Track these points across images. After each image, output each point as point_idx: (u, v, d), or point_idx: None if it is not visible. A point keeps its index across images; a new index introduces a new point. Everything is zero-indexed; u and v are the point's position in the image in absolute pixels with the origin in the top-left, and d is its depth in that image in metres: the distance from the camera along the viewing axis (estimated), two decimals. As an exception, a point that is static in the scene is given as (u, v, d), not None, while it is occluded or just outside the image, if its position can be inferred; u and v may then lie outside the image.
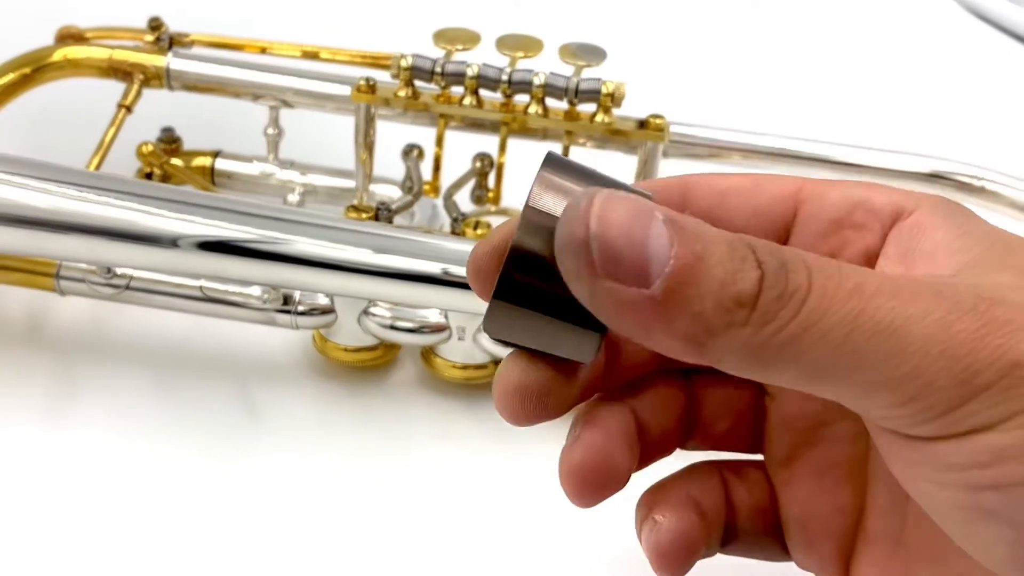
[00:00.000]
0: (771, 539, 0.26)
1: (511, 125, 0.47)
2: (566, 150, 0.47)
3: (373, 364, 0.44)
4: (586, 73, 0.45)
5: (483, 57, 0.46)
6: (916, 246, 0.22)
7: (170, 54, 0.49)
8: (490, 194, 0.50)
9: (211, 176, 0.52)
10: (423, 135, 0.49)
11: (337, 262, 0.39)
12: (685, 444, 0.27)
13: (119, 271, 0.42)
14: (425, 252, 0.39)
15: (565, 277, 0.19)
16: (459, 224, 0.46)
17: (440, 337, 0.42)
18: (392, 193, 0.51)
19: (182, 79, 0.49)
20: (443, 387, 0.44)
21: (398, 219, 0.46)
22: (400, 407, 0.44)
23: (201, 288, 0.42)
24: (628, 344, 0.25)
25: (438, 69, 0.45)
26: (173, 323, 0.45)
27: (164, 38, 0.50)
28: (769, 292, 0.18)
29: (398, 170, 0.50)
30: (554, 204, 0.20)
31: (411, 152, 0.50)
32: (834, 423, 0.25)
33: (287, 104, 0.50)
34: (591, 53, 0.46)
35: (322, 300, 0.43)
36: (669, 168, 0.47)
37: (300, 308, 0.42)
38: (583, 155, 0.44)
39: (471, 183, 0.50)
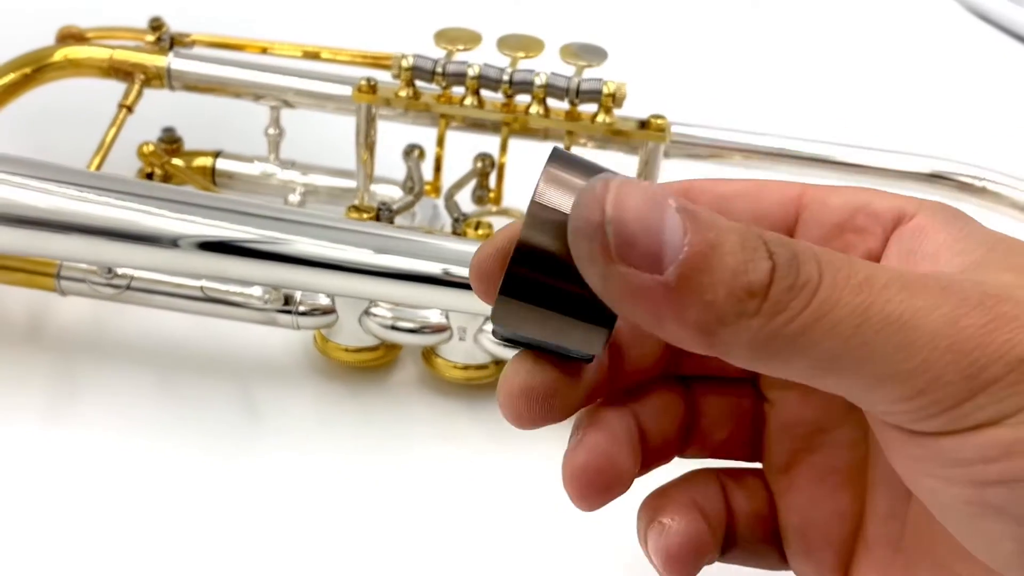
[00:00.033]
0: (770, 547, 0.26)
1: (512, 125, 0.47)
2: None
3: (374, 364, 0.44)
4: (587, 73, 0.45)
5: (484, 57, 0.46)
6: (918, 249, 0.22)
7: (171, 54, 0.49)
8: (491, 194, 0.50)
9: (212, 176, 0.52)
10: (424, 135, 0.49)
11: (338, 262, 0.39)
12: (684, 452, 0.27)
13: (120, 271, 0.42)
14: (426, 252, 0.39)
15: (577, 261, 0.19)
16: (460, 224, 0.46)
17: (441, 337, 0.42)
18: (393, 193, 0.51)
19: (183, 79, 0.49)
20: (444, 387, 0.44)
21: (399, 219, 0.46)
22: (401, 407, 0.44)
23: (202, 288, 0.42)
24: (631, 349, 0.25)
25: (439, 69, 0.45)
26: (174, 323, 0.45)
27: (165, 38, 0.50)
28: (781, 283, 0.18)
29: (399, 170, 0.50)
30: (560, 199, 0.20)
31: (412, 152, 0.50)
32: (833, 429, 0.25)
33: (288, 104, 0.50)
34: (592, 53, 0.46)
35: (323, 300, 0.43)
36: (670, 168, 0.47)
37: (301, 308, 0.42)
38: (584, 155, 0.44)
39: (472, 183, 0.50)
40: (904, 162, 0.47)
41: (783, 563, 0.26)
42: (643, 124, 0.46)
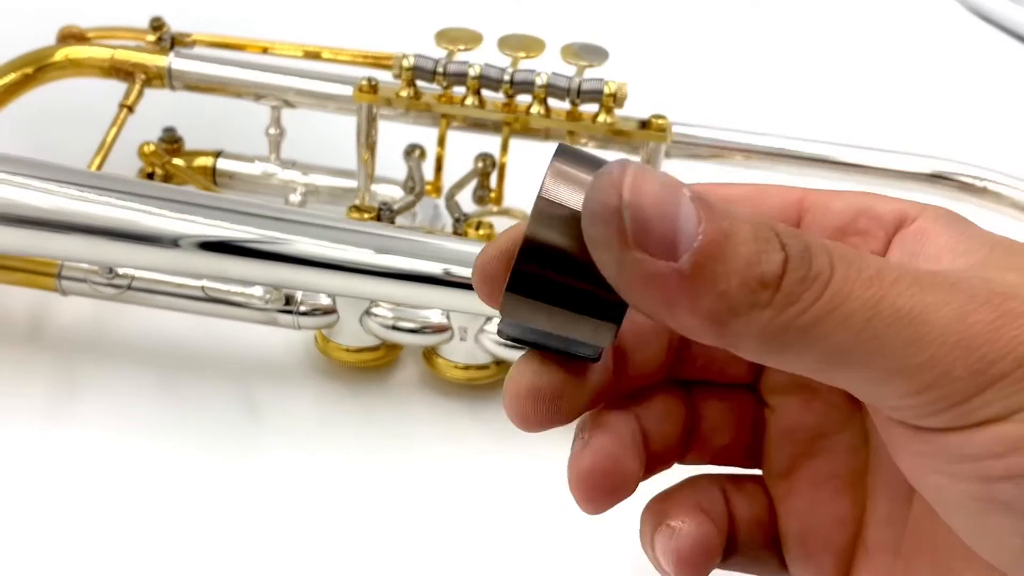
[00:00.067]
0: (770, 553, 0.26)
1: (513, 125, 0.47)
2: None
3: (375, 364, 0.44)
4: (588, 73, 0.45)
5: (485, 57, 0.46)
6: (920, 251, 0.22)
7: (172, 54, 0.49)
8: (492, 194, 0.50)
9: (213, 176, 0.52)
10: (425, 135, 0.49)
11: (339, 262, 0.39)
12: (684, 458, 0.27)
13: (121, 271, 0.42)
14: (427, 252, 0.39)
15: (591, 247, 0.19)
16: (461, 224, 0.46)
17: (442, 337, 0.42)
18: (394, 193, 0.51)
19: (184, 79, 0.49)
20: (445, 387, 0.44)
21: (400, 219, 0.46)
22: (402, 407, 0.44)
23: (203, 288, 0.42)
24: (635, 353, 0.25)
25: (440, 69, 0.45)
26: (175, 323, 0.45)
27: (166, 38, 0.50)
28: (793, 274, 0.18)
29: (400, 170, 0.50)
30: (567, 195, 0.20)
31: (413, 152, 0.50)
32: (834, 434, 0.25)
33: (289, 104, 0.50)
34: (593, 53, 0.46)
35: (324, 300, 0.43)
36: (671, 168, 0.47)
37: (302, 308, 0.42)
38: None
39: (473, 183, 0.50)
40: (905, 162, 0.47)
41: (783, 569, 0.26)
42: (644, 124, 0.46)
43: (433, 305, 0.40)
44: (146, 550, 0.37)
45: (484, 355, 0.43)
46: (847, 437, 0.25)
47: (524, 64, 0.46)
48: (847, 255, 0.19)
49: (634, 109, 0.46)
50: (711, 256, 0.18)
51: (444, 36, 0.47)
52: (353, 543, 0.38)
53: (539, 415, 0.22)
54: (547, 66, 0.46)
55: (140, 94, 0.49)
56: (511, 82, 0.45)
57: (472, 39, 0.47)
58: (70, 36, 0.51)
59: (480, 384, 0.44)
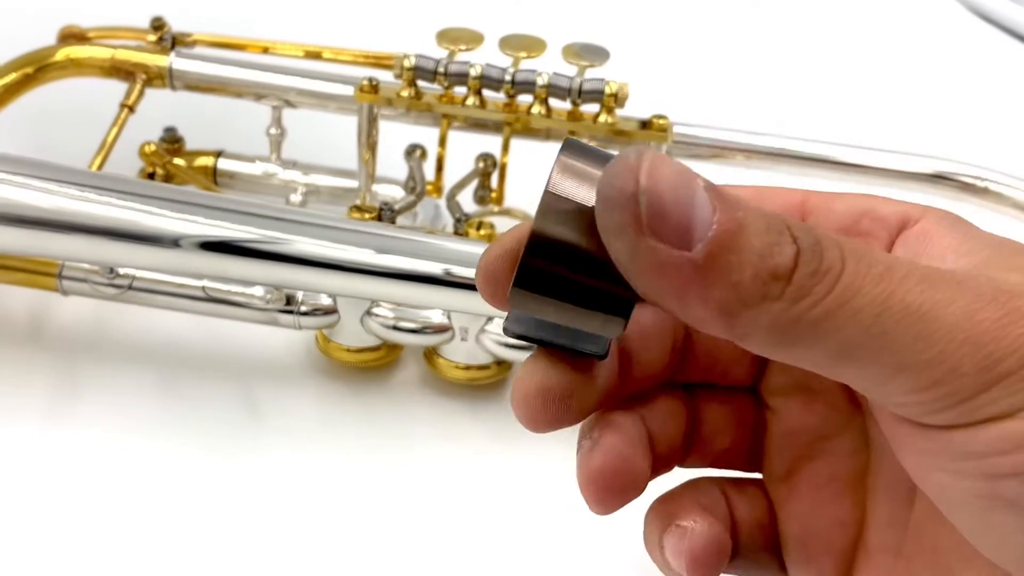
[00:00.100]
0: (770, 557, 0.26)
1: (514, 125, 0.47)
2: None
3: (376, 364, 0.44)
4: (589, 73, 0.45)
5: (486, 57, 0.46)
6: (923, 252, 0.22)
7: (173, 54, 0.49)
8: (493, 194, 0.50)
9: (213, 176, 0.52)
10: (426, 135, 0.49)
11: (340, 262, 0.39)
12: (684, 461, 0.26)
13: (122, 271, 0.42)
14: (428, 253, 0.39)
15: (605, 233, 0.19)
16: (462, 224, 0.46)
17: (443, 338, 0.42)
18: (395, 193, 0.50)
19: (185, 79, 0.49)
20: (445, 387, 0.44)
21: (401, 219, 0.46)
22: (402, 407, 0.44)
23: (204, 288, 0.42)
24: (639, 354, 0.25)
25: (441, 69, 0.45)
26: (175, 323, 0.45)
27: (167, 38, 0.50)
28: (804, 268, 0.18)
29: (401, 170, 0.50)
30: (574, 189, 0.20)
31: (414, 152, 0.50)
32: (834, 436, 0.25)
33: (290, 104, 0.50)
34: (594, 53, 0.46)
35: (325, 300, 0.43)
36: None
37: (303, 308, 0.42)
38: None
39: (474, 183, 0.50)
40: (906, 162, 0.47)
41: (782, 573, 0.26)
42: (645, 124, 0.46)
43: (434, 305, 0.40)
44: (147, 550, 0.37)
45: (485, 355, 0.43)
46: (847, 439, 0.25)
47: (525, 64, 0.46)
48: (858, 250, 0.19)
49: (635, 109, 0.46)
50: (725, 246, 0.18)
51: (445, 36, 0.47)
52: (353, 543, 0.38)
53: (548, 415, 0.22)
54: (548, 66, 0.46)
55: (141, 94, 0.49)
56: (512, 82, 0.45)
57: (473, 39, 0.47)
58: (71, 36, 0.51)
59: (481, 384, 0.44)
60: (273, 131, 0.51)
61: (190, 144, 0.53)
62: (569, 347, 0.22)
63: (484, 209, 0.50)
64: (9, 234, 0.38)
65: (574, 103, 0.46)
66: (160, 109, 0.52)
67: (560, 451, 0.36)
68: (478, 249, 0.39)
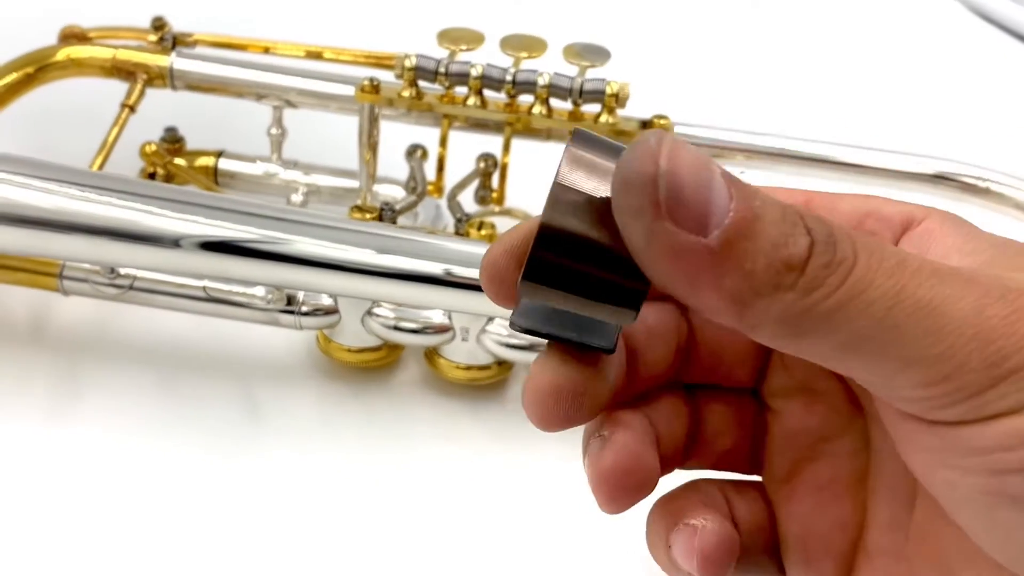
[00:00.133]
0: (769, 559, 0.26)
1: (515, 125, 0.47)
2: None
3: (376, 365, 0.44)
4: (590, 73, 0.45)
5: (487, 57, 0.46)
6: (928, 251, 0.22)
7: (173, 54, 0.49)
8: (494, 194, 0.50)
9: (214, 176, 0.52)
10: (427, 135, 0.49)
11: (340, 262, 0.39)
12: (685, 462, 0.26)
13: (122, 271, 0.42)
14: (429, 253, 0.39)
15: (620, 216, 0.19)
16: (463, 224, 0.46)
17: (443, 338, 0.42)
18: (396, 193, 0.50)
19: (185, 79, 0.49)
20: (446, 388, 0.44)
21: (402, 219, 0.46)
22: (403, 408, 0.44)
23: (205, 288, 0.42)
24: (645, 353, 0.25)
25: (442, 69, 0.45)
26: (176, 323, 0.45)
27: (167, 38, 0.50)
28: (818, 259, 0.18)
29: (402, 170, 0.50)
30: (584, 181, 0.19)
31: (415, 152, 0.50)
32: (835, 438, 0.25)
33: (291, 104, 0.50)
34: (595, 53, 0.46)
35: (326, 300, 0.43)
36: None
37: (304, 308, 0.42)
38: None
39: (475, 183, 0.50)
40: (907, 163, 0.47)
41: None
42: (646, 124, 0.46)
43: (435, 305, 0.40)
44: (148, 549, 0.37)
45: (486, 355, 0.43)
46: (848, 441, 0.25)
47: (526, 64, 0.46)
48: (870, 243, 0.19)
49: (636, 109, 0.46)
50: (741, 234, 0.18)
51: (446, 36, 0.47)
52: (354, 543, 0.38)
53: (561, 413, 0.22)
54: (549, 66, 0.46)
55: (142, 94, 0.49)
56: (513, 82, 0.45)
57: (474, 39, 0.47)
58: (72, 36, 0.51)
59: (482, 384, 0.44)
60: (274, 131, 0.51)
61: (191, 144, 0.53)
62: (577, 341, 0.22)
63: (485, 209, 0.50)
64: (10, 234, 0.38)
65: (575, 103, 0.46)
66: (161, 109, 0.52)
67: (560, 451, 0.36)
68: (479, 249, 0.39)
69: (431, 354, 0.44)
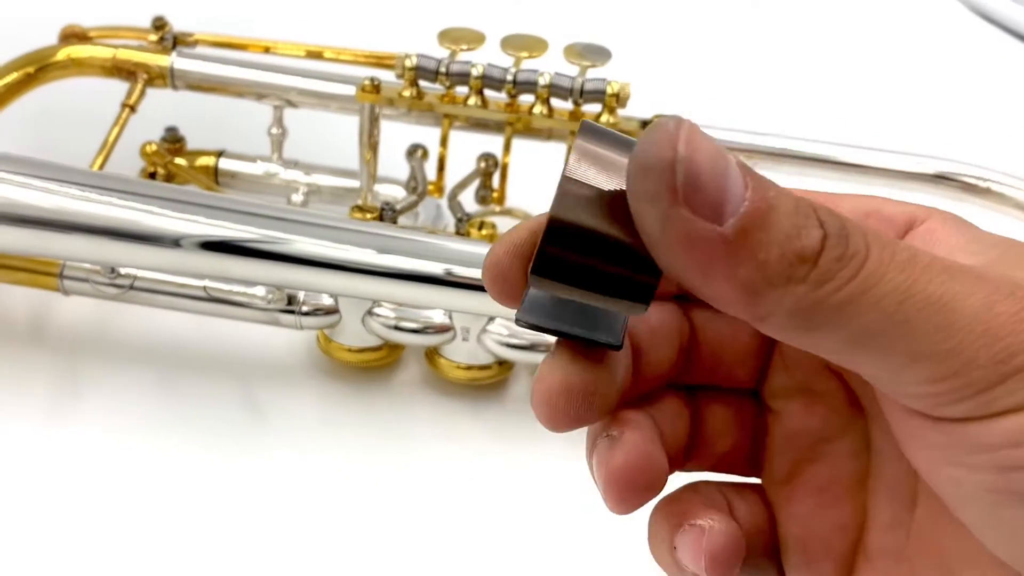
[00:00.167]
0: (769, 562, 0.26)
1: (516, 125, 0.47)
2: (570, 150, 0.47)
3: (377, 364, 0.44)
4: (591, 73, 0.45)
5: (488, 57, 0.46)
6: (932, 251, 0.22)
7: (174, 53, 0.49)
8: (494, 194, 0.50)
9: (215, 176, 0.52)
10: (427, 135, 0.49)
11: (341, 262, 0.39)
12: (685, 464, 0.26)
13: (123, 271, 0.42)
14: (429, 253, 0.39)
15: (637, 202, 0.18)
16: (463, 224, 0.46)
17: (444, 338, 0.42)
18: (396, 193, 0.50)
19: (186, 79, 0.49)
20: (447, 388, 0.44)
21: (402, 219, 0.46)
22: (403, 407, 0.44)
23: (205, 288, 0.42)
24: (650, 352, 0.25)
25: (443, 69, 0.45)
26: (177, 323, 0.45)
27: (168, 37, 0.50)
28: (831, 252, 0.18)
29: (402, 170, 0.50)
30: (593, 173, 0.19)
31: (415, 152, 0.50)
32: (835, 439, 0.25)
33: (291, 104, 0.50)
34: (596, 53, 0.46)
35: (326, 300, 0.43)
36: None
37: (304, 308, 0.42)
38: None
39: (475, 183, 0.50)
40: (908, 163, 0.47)
41: None
42: (647, 124, 0.46)
43: (435, 305, 0.40)
44: (148, 549, 0.37)
45: (486, 355, 0.43)
46: (849, 442, 0.25)
47: (527, 64, 0.46)
48: (881, 238, 0.19)
49: (637, 109, 0.46)
50: (756, 224, 0.18)
51: (447, 36, 0.47)
52: (354, 543, 0.38)
53: (571, 413, 0.22)
54: (550, 66, 0.46)
55: (142, 94, 0.49)
56: (514, 82, 0.45)
57: (475, 39, 0.47)
58: (72, 35, 0.51)
59: (482, 384, 0.44)
60: (274, 131, 0.51)
61: (191, 144, 0.53)
62: (584, 337, 0.22)
63: (486, 209, 0.50)
64: (10, 234, 0.38)
65: (576, 103, 0.46)
66: (161, 109, 0.52)
67: (561, 451, 0.36)
68: (480, 249, 0.39)
69: (432, 354, 0.44)
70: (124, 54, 0.49)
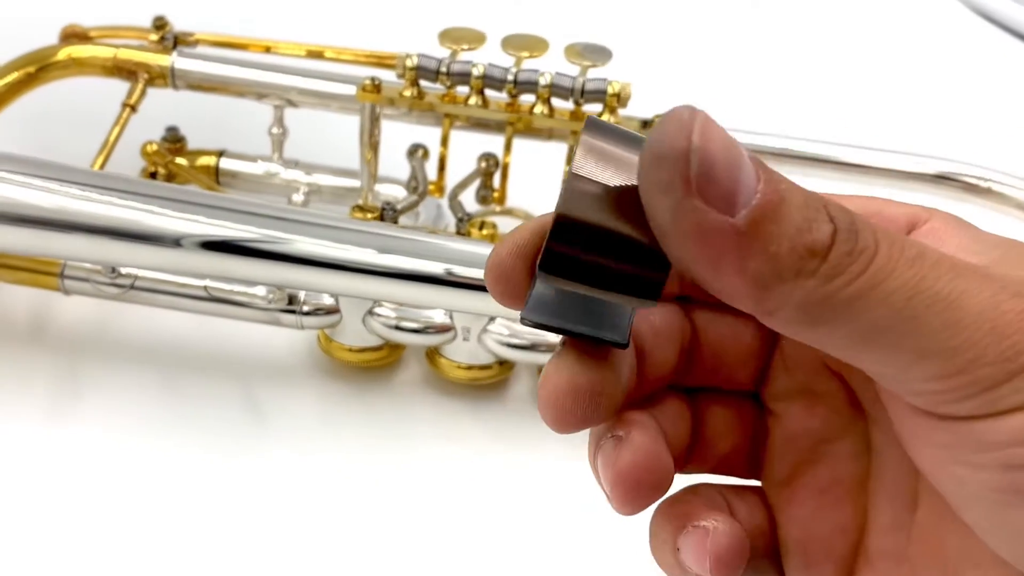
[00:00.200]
0: (769, 564, 0.26)
1: (516, 125, 0.47)
2: (571, 150, 0.47)
3: (378, 364, 0.44)
4: (592, 73, 0.45)
5: (488, 57, 0.46)
6: None
7: (175, 53, 0.49)
8: (495, 194, 0.50)
9: (215, 175, 0.52)
10: (428, 135, 0.49)
11: (342, 262, 0.39)
12: (685, 466, 0.26)
13: (124, 271, 0.42)
14: (430, 252, 0.39)
15: (648, 192, 0.18)
16: (464, 224, 0.46)
17: (445, 337, 0.42)
18: (397, 193, 0.50)
19: (187, 78, 0.49)
20: (447, 387, 0.44)
21: (403, 219, 0.46)
22: (404, 407, 0.44)
23: (206, 288, 0.42)
24: (653, 353, 0.25)
25: (443, 69, 0.45)
26: (177, 323, 0.45)
27: (169, 37, 0.50)
28: (840, 246, 0.18)
29: (403, 170, 0.50)
30: (599, 170, 0.19)
31: (416, 152, 0.50)
32: (836, 440, 0.25)
33: (292, 103, 0.50)
34: (597, 53, 0.46)
35: (327, 300, 0.43)
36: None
37: (305, 308, 0.42)
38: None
39: (476, 183, 0.49)
40: (909, 163, 0.47)
41: None
42: (648, 124, 0.46)
43: (436, 305, 0.40)
44: (148, 548, 0.37)
45: (487, 355, 0.43)
46: (849, 443, 0.25)
47: (528, 64, 0.46)
48: (890, 234, 0.19)
49: (637, 109, 0.46)
50: (767, 216, 0.18)
51: (447, 36, 0.47)
52: (354, 543, 0.38)
53: (578, 413, 0.22)
54: (551, 66, 0.45)
55: (143, 93, 0.49)
56: (514, 82, 0.45)
57: (475, 39, 0.47)
58: (73, 35, 0.51)
59: (483, 384, 0.44)
60: (275, 131, 0.51)
61: (192, 143, 0.53)
62: (590, 336, 0.22)
63: (486, 209, 0.50)
64: (11, 233, 0.38)
65: (577, 103, 0.46)
66: (162, 108, 0.52)
67: (561, 451, 0.36)
68: (480, 249, 0.39)
69: (432, 354, 0.44)
70: (125, 54, 0.49)
